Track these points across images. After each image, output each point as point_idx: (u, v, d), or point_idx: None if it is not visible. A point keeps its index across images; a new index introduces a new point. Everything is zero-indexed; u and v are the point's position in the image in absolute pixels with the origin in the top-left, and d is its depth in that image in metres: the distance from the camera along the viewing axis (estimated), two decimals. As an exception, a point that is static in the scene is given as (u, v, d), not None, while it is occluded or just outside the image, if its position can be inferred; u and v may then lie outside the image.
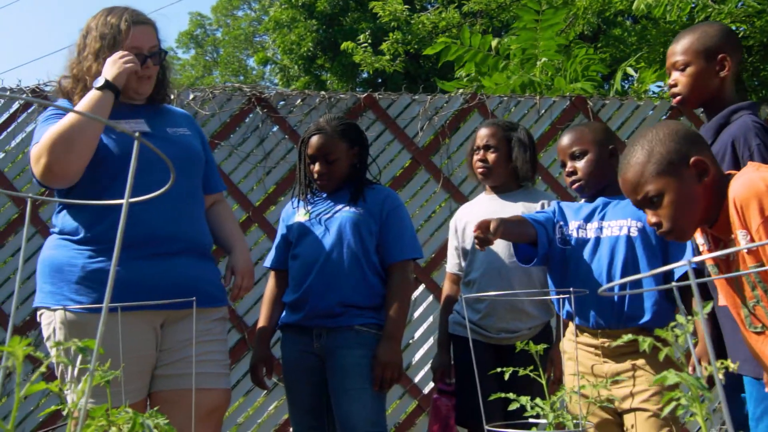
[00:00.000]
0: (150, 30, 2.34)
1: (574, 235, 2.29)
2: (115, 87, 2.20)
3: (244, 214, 4.10)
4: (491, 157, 2.73)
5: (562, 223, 2.32)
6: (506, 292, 2.38)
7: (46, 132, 2.17)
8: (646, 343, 1.10)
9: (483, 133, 2.77)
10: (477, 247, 2.17)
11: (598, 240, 2.25)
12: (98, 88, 2.19)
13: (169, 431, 1.25)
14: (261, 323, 2.69)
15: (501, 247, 2.59)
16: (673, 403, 1.01)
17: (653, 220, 1.77)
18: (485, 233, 2.11)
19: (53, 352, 1.05)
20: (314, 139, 2.59)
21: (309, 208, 2.65)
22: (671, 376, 0.98)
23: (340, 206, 2.60)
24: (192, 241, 2.31)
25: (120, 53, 2.22)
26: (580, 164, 2.33)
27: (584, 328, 2.23)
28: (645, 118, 4.57)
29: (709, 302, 1.09)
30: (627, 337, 1.16)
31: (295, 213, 2.68)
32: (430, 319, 4.17)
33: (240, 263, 2.43)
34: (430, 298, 4.17)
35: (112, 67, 2.20)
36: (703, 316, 0.91)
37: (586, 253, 2.25)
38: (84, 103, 2.19)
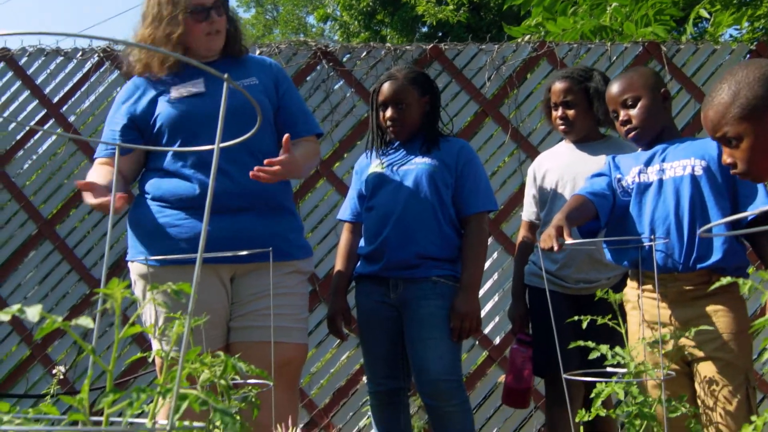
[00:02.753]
0: None
1: (636, 180, 2.20)
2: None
3: (312, 168, 4.11)
4: (571, 113, 2.67)
5: (620, 176, 2.24)
6: (584, 240, 2.30)
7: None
8: (746, 286, 1.06)
9: (558, 89, 2.68)
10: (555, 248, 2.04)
11: (661, 182, 2.16)
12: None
13: (259, 374, 1.27)
14: (337, 275, 2.70)
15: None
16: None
17: (729, 160, 1.78)
18: (552, 241, 1.99)
19: (148, 296, 1.08)
20: (385, 86, 2.61)
21: (383, 159, 2.64)
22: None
23: (414, 157, 2.59)
24: (256, 197, 2.29)
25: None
26: (634, 112, 2.23)
27: (651, 274, 2.15)
28: (722, 63, 4.39)
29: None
30: (726, 279, 1.12)
31: (369, 165, 2.68)
32: (500, 270, 4.15)
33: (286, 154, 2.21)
34: (499, 249, 4.14)
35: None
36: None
37: (650, 196, 2.17)
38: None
